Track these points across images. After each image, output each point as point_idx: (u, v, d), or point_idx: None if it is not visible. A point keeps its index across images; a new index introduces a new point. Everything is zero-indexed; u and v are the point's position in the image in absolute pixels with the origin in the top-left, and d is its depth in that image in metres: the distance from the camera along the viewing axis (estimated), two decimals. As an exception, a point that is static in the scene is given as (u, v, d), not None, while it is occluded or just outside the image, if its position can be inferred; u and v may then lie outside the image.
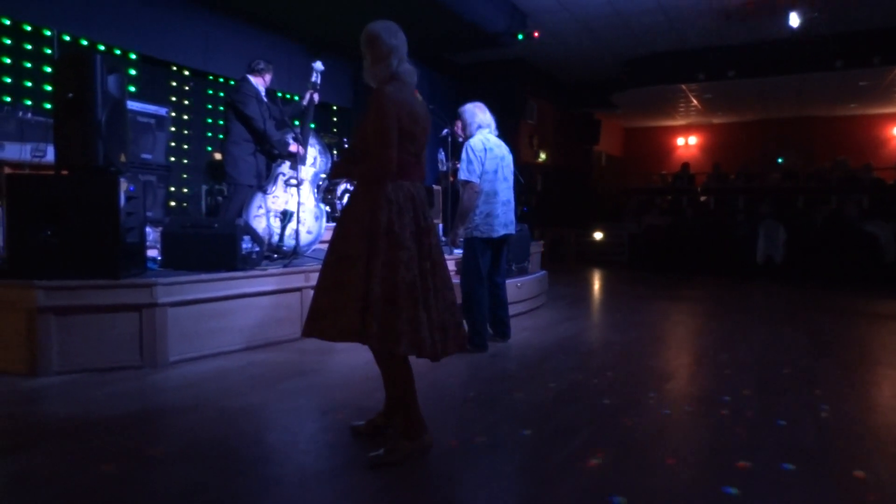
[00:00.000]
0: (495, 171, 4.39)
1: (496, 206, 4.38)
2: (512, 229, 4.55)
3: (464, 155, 4.34)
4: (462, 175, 4.32)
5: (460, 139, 8.38)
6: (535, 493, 2.20)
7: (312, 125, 5.75)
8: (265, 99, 5.65)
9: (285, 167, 5.47)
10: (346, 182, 7.60)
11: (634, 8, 9.32)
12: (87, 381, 3.43)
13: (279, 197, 5.40)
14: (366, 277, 2.35)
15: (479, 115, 4.50)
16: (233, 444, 2.57)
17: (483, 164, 4.33)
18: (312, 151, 5.61)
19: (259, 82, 5.61)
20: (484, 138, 4.41)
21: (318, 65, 5.66)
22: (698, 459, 2.53)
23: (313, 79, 5.65)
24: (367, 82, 2.59)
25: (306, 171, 5.53)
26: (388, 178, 2.43)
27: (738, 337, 5.17)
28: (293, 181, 5.38)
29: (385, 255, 2.37)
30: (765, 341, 5.02)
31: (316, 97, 5.71)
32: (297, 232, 5.28)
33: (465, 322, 4.42)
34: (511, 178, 4.57)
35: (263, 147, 5.55)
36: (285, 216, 5.31)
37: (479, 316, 4.38)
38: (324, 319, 2.44)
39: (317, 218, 5.56)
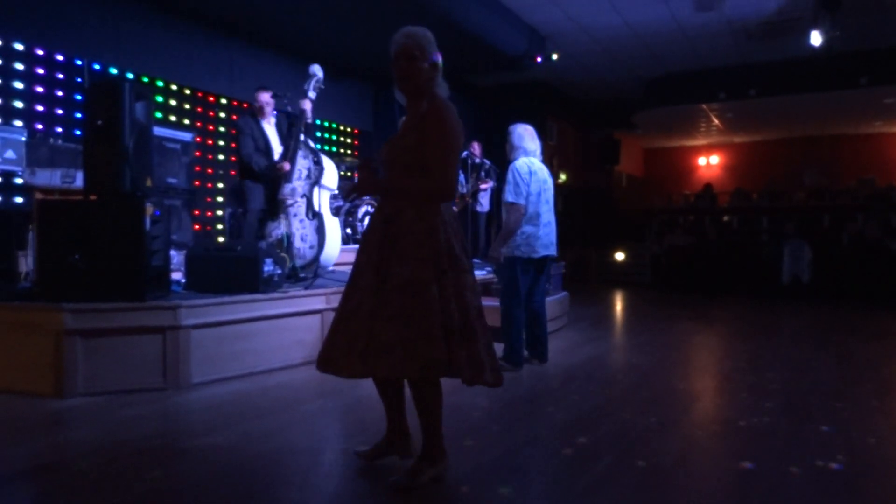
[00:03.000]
0: (539, 194, 4.49)
1: (539, 228, 4.49)
2: (553, 250, 4.64)
3: (510, 177, 4.44)
4: (508, 197, 4.42)
5: (477, 160, 8.44)
6: (557, 518, 2.17)
7: (304, 137, 5.56)
8: (263, 122, 5.71)
9: (286, 192, 5.48)
10: (368, 205, 7.64)
11: (653, 28, 9.34)
12: (112, 403, 3.47)
13: (284, 221, 5.48)
14: (442, 304, 2.20)
15: (527, 141, 4.59)
16: (254, 467, 2.57)
17: (528, 186, 4.44)
18: (304, 164, 5.52)
19: (258, 111, 5.73)
20: (528, 161, 4.54)
21: (315, 69, 5.41)
22: (726, 484, 2.47)
23: (305, 86, 5.47)
24: (408, 91, 2.39)
25: (299, 186, 5.50)
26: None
27: (764, 359, 5.07)
28: (289, 201, 5.44)
29: (452, 280, 2.24)
30: (793, 363, 4.91)
31: (308, 106, 5.48)
32: (318, 248, 5.32)
33: (503, 340, 4.43)
34: (552, 201, 4.67)
35: (255, 175, 5.65)
36: (281, 241, 5.32)
37: (516, 334, 4.46)
38: (389, 354, 2.16)
39: (317, 230, 5.43)
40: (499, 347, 4.97)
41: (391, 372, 2.20)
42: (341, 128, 10.44)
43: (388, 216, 2.32)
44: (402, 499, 2.27)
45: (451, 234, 2.31)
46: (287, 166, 5.52)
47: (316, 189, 5.48)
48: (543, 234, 4.51)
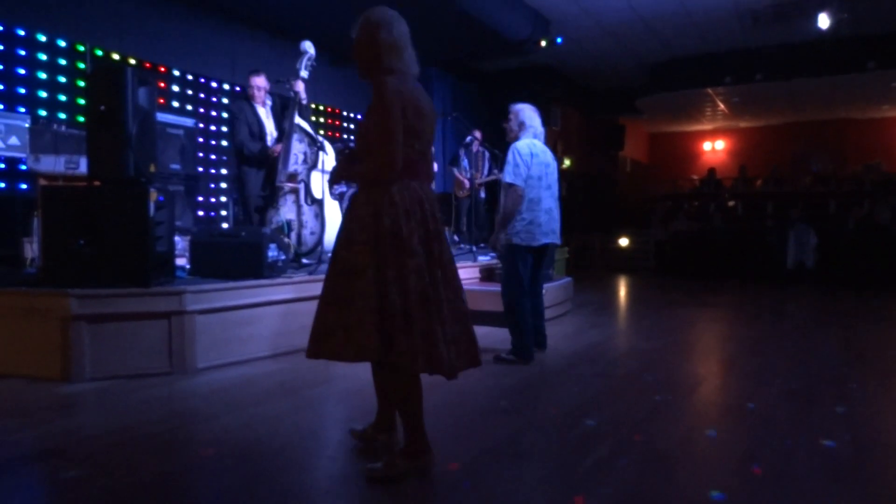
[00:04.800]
0: (539, 178, 4.28)
1: (539, 214, 4.27)
2: (556, 238, 4.44)
3: (509, 157, 4.23)
4: (507, 178, 4.21)
5: (480, 149, 8.40)
6: (563, 501, 2.18)
7: (299, 120, 5.35)
8: (257, 107, 5.58)
9: (282, 177, 5.37)
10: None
11: (658, 12, 9.26)
12: (119, 388, 3.50)
13: (283, 208, 5.42)
14: (377, 289, 2.17)
15: (535, 120, 4.40)
16: (260, 451, 2.59)
17: (529, 169, 4.23)
18: (300, 147, 5.33)
19: (252, 96, 5.58)
20: (531, 143, 4.32)
21: (307, 46, 5.13)
22: (728, 469, 2.48)
23: (298, 65, 5.21)
24: (362, 76, 2.38)
25: (297, 170, 5.37)
26: (393, 179, 2.25)
27: (768, 344, 5.07)
28: (287, 187, 5.35)
29: (394, 264, 2.19)
30: (796, 348, 4.91)
31: (301, 87, 5.23)
32: (319, 234, 5.30)
33: (510, 333, 4.34)
34: (555, 186, 4.46)
35: (250, 161, 5.55)
36: (282, 228, 5.21)
37: (524, 326, 4.29)
38: (331, 338, 2.21)
39: (316, 215, 5.34)
40: (495, 334, 4.99)
41: (333, 356, 2.22)
42: (344, 113, 10.41)
43: (350, 203, 2.36)
44: (407, 484, 2.28)
45: (400, 217, 2.22)
46: (279, 150, 5.40)
47: (315, 174, 5.37)
48: (544, 220, 4.29)
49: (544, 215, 4.32)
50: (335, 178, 2.51)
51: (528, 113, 4.41)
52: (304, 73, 5.27)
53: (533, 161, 4.26)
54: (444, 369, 2.22)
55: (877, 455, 2.64)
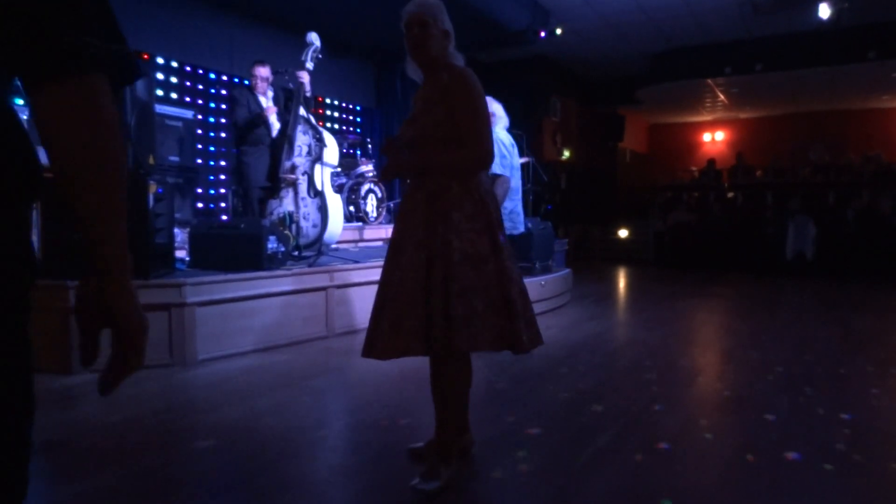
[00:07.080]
0: (517, 168, 4.36)
1: (518, 203, 4.36)
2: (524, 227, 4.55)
3: (495, 149, 4.27)
4: (495, 169, 4.20)
5: None
6: (562, 491, 2.19)
7: (305, 112, 5.35)
8: (259, 96, 5.62)
9: (287, 168, 5.37)
10: (371, 182, 7.60)
11: (658, 2, 9.21)
12: (119, 380, 3.50)
13: (285, 199, 5.41)
14: (502, 276, 2.18)
15: (499, 111, 4.43)
16: (260, 441, 2.60)
17: (511, 158, 4.29)
18: (304, 139, 5.32)
19: (255, 86, 5.63)
20: (506, 134, 4.37)
21: (313, 37, 5.13)
22: (727, 458, 2.49)
23: (302, 57, 5.20)
24: (423, 60, 2.29)
25: (300, 162, 5.37)
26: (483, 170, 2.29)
27: (767, 335, 5.08)
28: (290, 177, 5.35)
29: (506, 251, 2.23)
30: (796, 339, 4.92)
31: (306, 78, 5.24)
32: (321, 227, 5.29)
33: None
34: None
35: (248, 137, 5.56)
36: (283, 220, 5.20)
37: None
38: (469, 327, 2.10)
39: (319, 208, 5.33)
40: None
41: (474, 345, 2.13)
42: (343, 105, 10.38)
43: (432, 193, 2.21)
44: (403, 471, 2.29)
45: (494, 207, 2.28)
46: (272, 110, 5.38)
47: (317, 166, 5.39)
48: (520, 209, 4.40)
49: (520, 204, 4.43)
50: (400, 168, 2.34)
51: (495, 105, 4.44)
52: (309, 65, 5.29)
53: (513, 151, 4.29)
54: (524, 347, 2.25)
55: (875, 444, 2.65)
